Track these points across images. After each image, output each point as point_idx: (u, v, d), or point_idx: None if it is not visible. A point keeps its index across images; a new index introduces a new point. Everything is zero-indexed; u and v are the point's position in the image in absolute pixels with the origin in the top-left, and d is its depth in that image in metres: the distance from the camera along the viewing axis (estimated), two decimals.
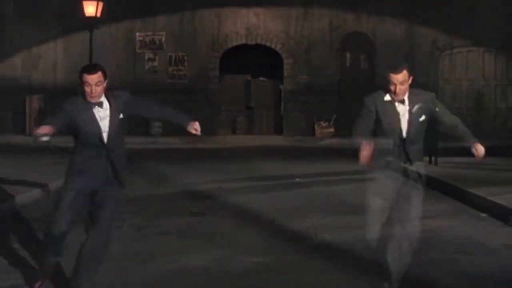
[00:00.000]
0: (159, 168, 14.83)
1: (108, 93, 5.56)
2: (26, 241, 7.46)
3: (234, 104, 25.61)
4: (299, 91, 25.23)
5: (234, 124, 25.71)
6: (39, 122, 23.64)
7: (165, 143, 20.96)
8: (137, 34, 25.20)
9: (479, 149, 5.68)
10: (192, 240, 7.72)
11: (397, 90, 5.52)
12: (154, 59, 25.29)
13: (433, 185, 12.06)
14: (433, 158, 14.56)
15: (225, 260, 6.82)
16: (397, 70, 5.52)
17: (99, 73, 5.42)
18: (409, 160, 5.62)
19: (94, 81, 5.39)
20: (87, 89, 5.41)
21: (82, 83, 5.44)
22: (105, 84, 5.48)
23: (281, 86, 25.57)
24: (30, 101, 24.59)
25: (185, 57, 25.29)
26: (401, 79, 5.51)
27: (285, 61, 25.31)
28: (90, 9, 14.09)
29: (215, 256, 6.95)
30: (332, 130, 24.52)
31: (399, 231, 5.63)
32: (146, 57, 25.23)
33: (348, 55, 25.55)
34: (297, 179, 13.19)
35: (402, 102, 5.60)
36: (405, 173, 5.61)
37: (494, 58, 25.32)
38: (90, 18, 14.32)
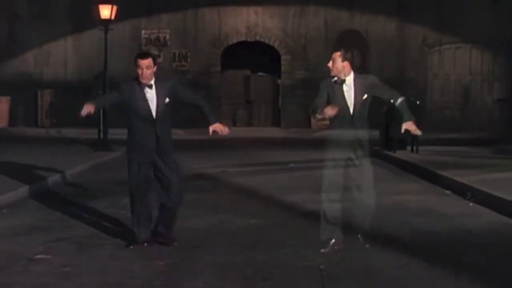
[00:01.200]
0: None
1: (157, 79, 6.66)
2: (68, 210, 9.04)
3: (234, 98, 26.62)
4: (296, 85, 26.17)
5: (234, 117, 26.64)
6: (51, 114, 24.68)
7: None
8: (143, 31, 26.32)
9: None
10: (200, 209, 9.21)
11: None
12: (159, 56, 26.13)
13: (409, 169, 13.51)
14: (414, 147, 15.89)
15: (227, 221, 8.42)
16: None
17: (150, 59, 6.62)
18: None
19: (145, 65, 6.55)
20: (139, 71, 6.57)
21: (135, 66, 6.58)
22: (154, 69, 6.63)
23: (279, 81, 26.57)
24: (42, 95, 25.81)
25: (188, 54, 26.33)
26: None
27: (283, 57, 26.31)
28: (105, 12, 15.48)
29: (219, 219, 8.55)
30: (327, 122, 25.46)
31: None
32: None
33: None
34: (291, 164, 14.60)
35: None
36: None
37: (481, 54, 26.21)
38: (105, 20, 15.71)
